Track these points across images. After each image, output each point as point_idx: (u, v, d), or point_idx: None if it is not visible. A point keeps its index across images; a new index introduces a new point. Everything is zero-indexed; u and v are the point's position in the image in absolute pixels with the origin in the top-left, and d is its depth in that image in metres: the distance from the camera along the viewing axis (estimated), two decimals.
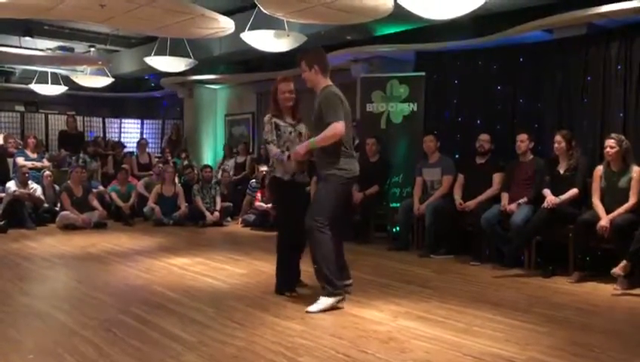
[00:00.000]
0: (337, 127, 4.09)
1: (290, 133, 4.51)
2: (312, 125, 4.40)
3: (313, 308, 4.06)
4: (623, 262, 4.65)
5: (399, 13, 5.65)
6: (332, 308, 4.10)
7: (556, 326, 3.80)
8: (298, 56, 4.42)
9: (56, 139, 11.59)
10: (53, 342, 3.43)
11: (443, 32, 7.13)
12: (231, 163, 10.68)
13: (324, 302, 4.10)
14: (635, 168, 5.11)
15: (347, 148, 4.27)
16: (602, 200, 5.18)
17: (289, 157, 4.36)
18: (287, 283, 4.55)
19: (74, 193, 8.67)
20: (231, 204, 9.38)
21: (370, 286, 4.86)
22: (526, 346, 3.39)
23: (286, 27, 6.94)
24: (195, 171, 10.04)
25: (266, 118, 4.58)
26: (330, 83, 4.31)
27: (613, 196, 5.14)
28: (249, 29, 6.96)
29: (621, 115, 5.91)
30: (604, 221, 4.97)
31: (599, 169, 5.31)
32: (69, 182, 8.79)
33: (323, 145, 4.19)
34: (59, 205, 8.83)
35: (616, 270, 4.68)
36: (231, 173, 10.17)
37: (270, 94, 4.67)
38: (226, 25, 6.71)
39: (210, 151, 12.50)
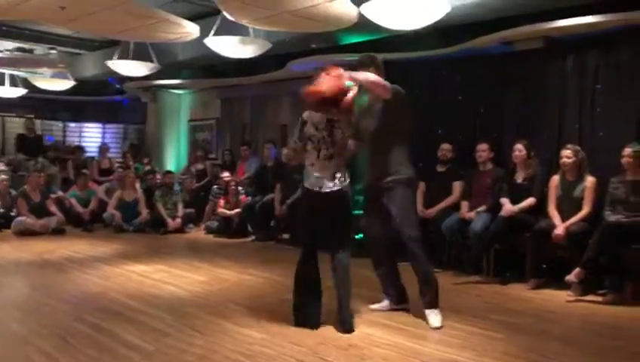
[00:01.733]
0: (390, 87, 3.91)
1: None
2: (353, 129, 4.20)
3: (438, 322, 3.97)
4: (577, 269, 4.77)
5: (364, 23, 5.69)
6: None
7: (512, 333, 3.87)
8: (366, 60, 4.17)
9: (14, 142, 11.30)
10: (4, 351, 3.34)
11: (408, 42, 7.20)
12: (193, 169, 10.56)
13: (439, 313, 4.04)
14: (589, 178, 5.27)
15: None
16: (558, 209, 5.32)
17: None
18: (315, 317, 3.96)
19: (31, 198, 8.46)
20: (193, 211, 9.29)
21: (329, 293, 4.85)
22: (483, 352, 3.45)
23: (251, 33, 6.92)
24: (158, 176, 9.90)
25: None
26: None
27: (569, 205, 5.28)
28: (214, 35, 6.91)
29: (577, 125, 6.08)
30: (560, 229, 5.10)
31: (555, 178, 5.46)
32: (25, 187, 8.57)
33: (367, 85, 3.90)
34: (14, 210, 8.59)
35: (570, 277, 4.80)
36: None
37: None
38: (190, 30, 6.66)
39: (174, 156, 12.34)
